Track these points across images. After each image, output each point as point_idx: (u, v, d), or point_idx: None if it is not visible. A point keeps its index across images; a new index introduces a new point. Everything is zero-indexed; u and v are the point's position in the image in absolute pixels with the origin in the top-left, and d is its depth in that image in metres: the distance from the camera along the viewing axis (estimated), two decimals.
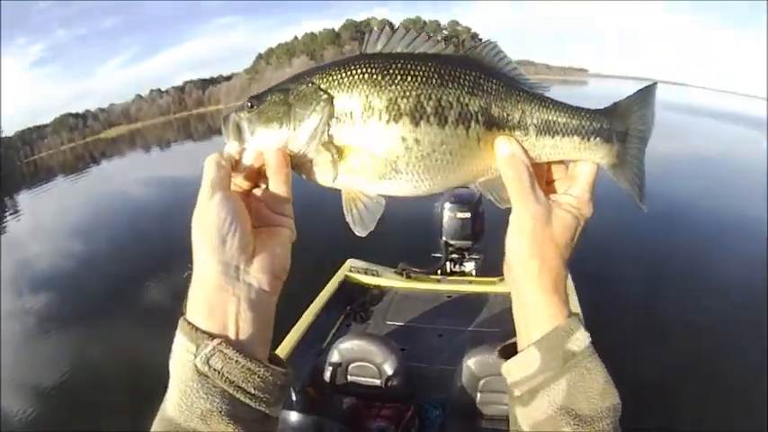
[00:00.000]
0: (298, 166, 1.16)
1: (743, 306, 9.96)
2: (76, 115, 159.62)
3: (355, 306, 6.90)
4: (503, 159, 1.17)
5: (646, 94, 1.27)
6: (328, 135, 1.14)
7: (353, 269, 7.65)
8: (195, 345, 0.99)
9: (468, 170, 1.19)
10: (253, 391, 1.00)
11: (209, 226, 1.03)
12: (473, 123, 1.15)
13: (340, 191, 1.20)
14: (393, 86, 1.13)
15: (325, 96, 1.13)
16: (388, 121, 1.12)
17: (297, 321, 6.12)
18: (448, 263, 7.72)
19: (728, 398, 7.17)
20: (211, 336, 1.00)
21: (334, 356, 5.02)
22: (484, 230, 7.42)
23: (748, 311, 9.71)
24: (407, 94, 1.12)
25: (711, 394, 7.30)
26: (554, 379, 1.10)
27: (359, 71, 1.14)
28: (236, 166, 1.13)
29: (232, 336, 1.02)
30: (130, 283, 13.13)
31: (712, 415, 6.85)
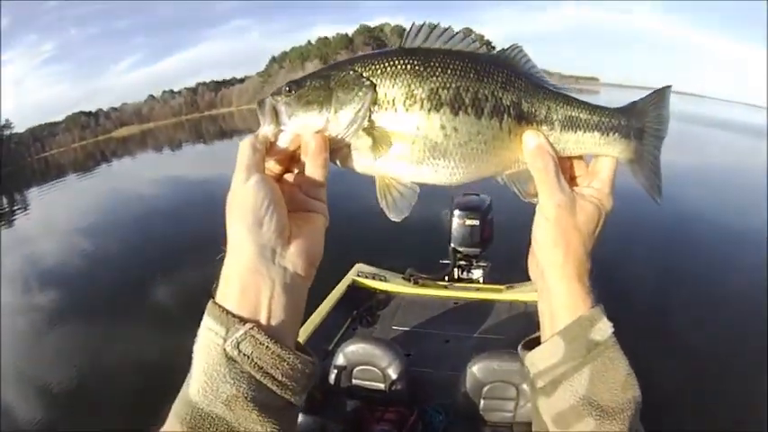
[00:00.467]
0: (335, 151, 1.17)
1: (747, 312, 10.01)
2: (88, 113, 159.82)
3: (362, 310, 6.91)
4: (531, 150, 1.20)
5: (661, 95, 1.31)
6: (369, 120, 1.16)
7: (361, 274, 7.67)
8: (225, 328, 0.97)
9: (499, 161, 1.23)
10: (281, 378, 0.99)
11: (245, 207, 1.02)
12: (505, 116, 1.19)
13: (371, 181, 1.22)
14: (434, 77, 1.16)
15: (368, 83, 1.16)
16: (429, 110, 1.15)
17: (303, 323, 6.07)
18: (455, 269, 7.76)
19: (730, 400, 7.24)
20: (242, 320, 0.98)
21: (340, 359, 5.02)
22: (492, 238, 7.44)
23: (752, 317, 9.73)
24: (447, 85, 1.16)
25: (713, 397, 7.36)
26: (577, 369, 1.12)
27: (401, 62, 1.17)
28: (270, 149, 1.13)
29: (263, 320, 1.01)
30: (139, 282, 13.09)
31: (714, 417, 6.90)
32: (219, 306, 1.00)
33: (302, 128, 1.14)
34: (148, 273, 13.57)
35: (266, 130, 1.13)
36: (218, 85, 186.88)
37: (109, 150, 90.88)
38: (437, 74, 1.16)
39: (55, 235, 20.99)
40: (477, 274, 7.77)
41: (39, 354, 10.36)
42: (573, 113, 1.25)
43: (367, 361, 4.97)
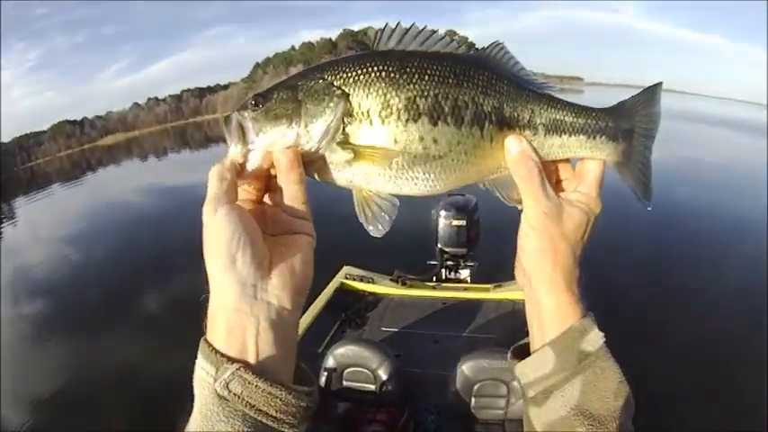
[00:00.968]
0: (309, 164, 1.13)
1: (744, 310, 10.05)
2: (74, 122, 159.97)
3: (351, 312, 6.91)
4: (513, 158, 1.17)
5: (651, 93, 1.28)
6: (344, 134, 1.11)
7: (349, 276, 7.65)
8: (215, 368, 0.95)
9: (481, 169, 1.20)
10: (275, 414, 0.96)
11: (216, 244, 0.99)
12: (487, 123, 1.16)
13: (350, 191, 1.18)
14: (411, 85, 1.11)
15: (339, 92, 1.11)
16: (407, 121, 1.11)
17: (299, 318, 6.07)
18: (443, 270, 7.76)
19: (728, 400, 7.22)
20: (231, 359, 0.96)
21: (330, 362, 5.02)
22: (479, 238, 7.45)
23: (749, 315, 9.78)
24: (425, 93, 1.11)
25: (712, 396, 7.34)
26: (568, 379, 1.11)
27: (375, 68, 1.12)
28: (241, 171, 1.09)
29: (252, 358, 0.98)
30: (127, 291, 13.07)
31: (712, 417, 6.88)
32: (209, 344, 0.99)
33: (271, 144, 1.10)
34: (136, 281, 13.55)
35: (233, 151, 1.09)
36: (203, 92, 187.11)
37: (94, 159, 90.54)
38: (414, 80, 1.12)
39: (42, 245, 20.91)
40: (464, 273, 7.78)
41: (28, 364, 10.30)
42: (557, 116, 1.22)
43: (357, 363, 4.98)
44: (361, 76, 1.12)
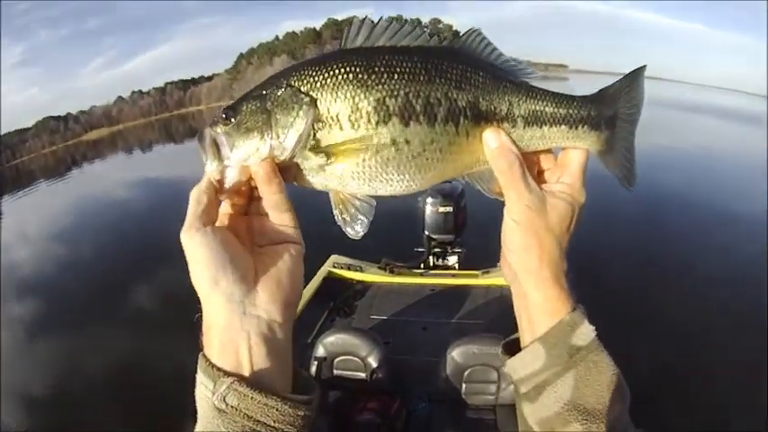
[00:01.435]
0: (285, 171, 1.11)
1: (735, 299, 10.06)
2: (58, 118, 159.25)
3: (339, 301, 6.91)
4: (492, 152, 1.15)
5: (634, 76, 1.25)
6: (315, 140, 1.09)
7: (337, 265, 7.66)
8: (213, 382, 0.97)
9: (458, 165, 1.17)
10: (273, 424, 0.97)
11: (197, 268, 1.01)
12: (462, 119, 1.13)
13: (328, 193, 1.16)
14: (380, 85, 1.09)
15: (308, 99, 1.09)
16: (377, 123, 1.09)
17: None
18: (431, 257, 7.80)
19: (723, 394, 7.19)
20: (227, 373, 0.98)
21: (320, 351, 5.03)
22: (466, 224, 7.49)
23: (740, 304, 9.82)
24: (395, 92, 1.09)
25: (707, 391, 7.34)
26: (560, 374, 1.09)
27: (342, 70, 1.09)
28: (221, 188, 1.09)
29: (247, 372, 1.00)
30: (116, 287, 13.04)
31: (705, 412, 6.87)
32: (206, 359, 1.00)
33: (247, 158, 1.09)
34: (125, 276, 13.55)
35: (210, 168, 1.09)
36: (187, 84, 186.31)
37: (79, 154, 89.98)
38: (383, 80, 1.09)
39: (29, 243, 20.77)
40: (452, 260, 7.83)
41: (20, 364, 10.22)
42: (537, 107, 1.19)
43: (347, 351, 4.99)
44: (328, 80, 1.10)
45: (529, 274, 1.14)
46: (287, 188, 1.12)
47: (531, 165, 1.21)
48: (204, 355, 1.01)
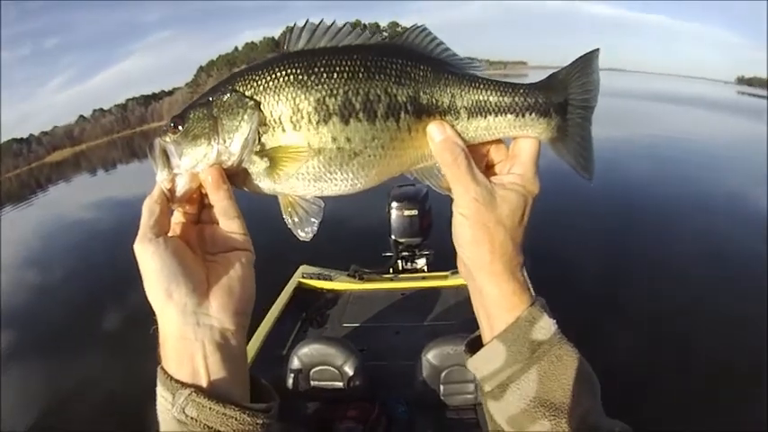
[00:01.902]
0: (233, 177, 1.14)
1: (712, 286, 10.22)
2: (20, 140, 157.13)
3: (311, 311, 6.86)
4: (437, 145, 1.15)
5: (586, 61, 1.22)
6: (260, 143, 1.12)
7: (306, 275, 7.62)
8: (171, 394, 0.99)
9: (403, 161, 1.18)
10: None
11: (150, 280, 1.02)
12: (402, 114, 1.14)
13: (278, 197, 1.19)
14: (319, 86, 1.11)
15: (252, 103, 1.12)
16: (317, 123, 1.11)
17: (254, 332, 6.08)
18: (399, 261, 7.80)
19: (728, 388, 7.17)
20: (184, 385, 1.00)
21: (295, 363, 5.00)
22: (432, 226, 7.47)
23: (719, 292, 9.93)
24: (335, 92, 1.11)
25: (710, 386, 7.28)
26: (523, 371, 1.09)
27: (283, 73, 1.12)
28: (172, 196, 1.11)
29: (204, 382, 1.01)
30: (90, 309, 12.89)
31: (687, 410, 6.80)
32: (165, 372, 1.03)
33: (195, 165, 1.11)
34: (98, 298, 13.34)
35: (160, 177, 1.10)
36: (148, 100, 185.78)
37: (43, 177, 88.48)
38: (322, 81, 1.11)
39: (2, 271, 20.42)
40: (420, 263, 7.83)
41: None
42: (480, 97, 1.19)
43: (322, 361, 4.96)
44: (271, 83, 1.12)
45: (481, 268, 1.14)
46: (239, 197, 1.15)
47: (479, 157, 1.21)
48: (162, 368, 1.03)
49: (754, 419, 6.58)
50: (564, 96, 1.21)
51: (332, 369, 4.95)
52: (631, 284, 10.44)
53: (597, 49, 1.23)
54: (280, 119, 1.11)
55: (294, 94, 1.11)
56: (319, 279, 7.55)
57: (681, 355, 8.04)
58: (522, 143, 1.21)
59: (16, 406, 9.36)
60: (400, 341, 6.13)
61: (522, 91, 1.21)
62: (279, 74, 1.12)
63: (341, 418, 4.60)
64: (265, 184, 1.16)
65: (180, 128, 1.12)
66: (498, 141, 1.24)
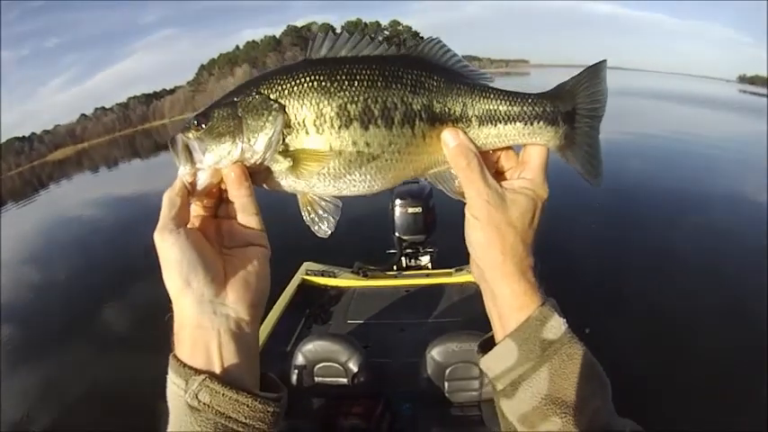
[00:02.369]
0: (255, 174, 1.17)
1: (717, 283, 10.23)
2: (23, 138, 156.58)
3: (315, 308, 6.88)
4: (451, 151, 1.19)
5: (594, 71, 1.26)
6: (284, 144, 1.16)
7: (310, 272, 7.63)
8: (184, 380, 1.01)
9: (417, 165, 1.22)
10: (245, 420, 1.01)
11: (169, 270, 1.05)
12: (417, 121, 1.18)
13: (296, 196, 1.23)
14: (341, 92, 1.15)
15: (277, 106, 1.15)
16: (339, 128, 1.15)
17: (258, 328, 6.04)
18: (403, 258, 7.82)
19: (727, 387, 7.14)
20: (198, 371, 1.01)
21: (299, 359, 5.01)
22: (436, 223, 7.49)
23: (723, 288, 9.98)
24: (355, 99, 1.15)
25: (699, 385, 7.28)
26: (534, 369, 1.10)
27: (307, 79, 1.16)
28: (193, 191, 1.13)
29: (218, 369, 1.03)
30: (90, 307, 12.86)
31: (687, 409, 6.77)
32: (177, 359, 1.04)
33: (218, 161, 1.15)
34: (99, 296, 13.37)
35: (182, 172, 1.13)
36: (150, 98, 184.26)
37: (45, 175, 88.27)
38: (344, 88, 1.16)
39: (3, 268, 20.42)
40: (424, 260, 7.85)
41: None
42: (491, 107, 1.23)
43: (327, 357, 4.97)
44: (295, 88, 1.17)
45: (494, 269, 1.16)
46: (256, 194, 1.18)
47: (490, 164, 1.24)
48: (175, 356, 1.05)
49: (755, 419, 6.58)
50: (572, 105, 1.26)
51: (336, 365, 4.95)
52: (631, 282, 10.41)
53: (604, 61, 1.28)
54: (304, 122, 1.16)
55: (318, 100, 1.15)
56: (323, 276, 7.56)
57: (680, 354, 8.02)
58: (531, 150, 1.25)
59: (16, 403, 9.38)
60: (405, 338, 6.13)
61: (530, 100, 1.25)
62: (303, 80, 1.17)
63: (345, 415, 4.61)
64: (286, 183, 1.20)
65: (203, 126, 1.15)
66: (508, 149, 1.28)
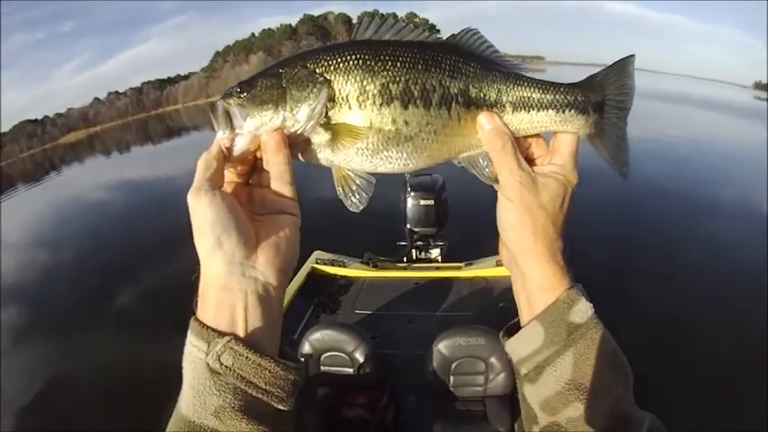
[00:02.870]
0: (292, 146, 1.19)
1: (726, 288, 10.20)
2: (35, 121, 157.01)
3: (323, 297, 6.89)
4: (487, 133, 1.21)
5: (623, 65, 1.29)
6: (326, 117, 1.18)
7: (320, 261, 7.65)
8: (206, 343, 1.00)
9: (451, 147, 1.25)
10: (264, 386, 1.00)
11: (202, 228, 1.04)
12: (454, 104, 1.21)
13: (326, 173, 1.26)
14: (384, 72, 1.18)
15: (322, 80, 1.17)
16: (381, 105, 1.18)
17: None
18: (413, 250, 7.82)
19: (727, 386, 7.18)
20: (221, 334, 1.01)
21: (306, 348, 5.00)
22: (447, 217, 7.51)
23: (733, 293, 9.94)
24: (397, 79, 1.19)
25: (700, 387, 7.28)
26: (559, 353, 1.11)
27: (353, 57, 1.19)
28: (229, 156, 1.14)
29: (241, 331, 1.03)
30: (100, 290, 12.91)
31: (687, 409, 6.58)
32: (200, 322, 1.03)
33: (259, 128, 1.15)
34: (108, 279, 13.41)
35: (221, 136, 1.14)
36: (164, 83, 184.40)
37: (57, 157, 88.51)
38: (387, 67, 1.19)
39: (10, 249, 20.49)
40: (434, 253, 7.86)
41: (7, 374, 10.09)
42: (525, 94, 1.25)
43: (333, 347, 4.97)
44: (341, 64, 1.19)
45: (525, 251, 1.18)
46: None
47: (522, 150, 1.25)
48: (197, 318, 1.04)
49: (755, 419, 6.61)
50: (602, 96, 1.28)
51: (343, 355, 4.95)
52: (636, 282, 10.45)
53: (633, 56, 1.30)
54: (347, 97, 1.18)
55: (362, 77, 1.18)
56: (333, 265, 7.58)
57: (681, 354, 8.05)
58: (562, 138, 1.28)
59: (24, 385, 9.42)
60: (412, 330, 6.13)
61: (562, 89, 1.28)
62: (349, 57, 1.19)
63: (350, 405, 4.62)
64: (323, 156, 1.22)
65: (246, 93, 1.16)
66: (538, 137, 1.30)
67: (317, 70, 1.18)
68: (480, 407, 4.79)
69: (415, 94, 1.19)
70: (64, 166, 67.39)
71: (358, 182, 1.23)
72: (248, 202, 1.15)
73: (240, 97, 1.16)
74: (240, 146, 1.15)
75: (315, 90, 1.16)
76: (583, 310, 1.12)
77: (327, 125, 1.18)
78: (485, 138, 1.22)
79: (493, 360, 4.67)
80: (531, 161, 1.28)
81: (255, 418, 1.00)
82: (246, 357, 0.99)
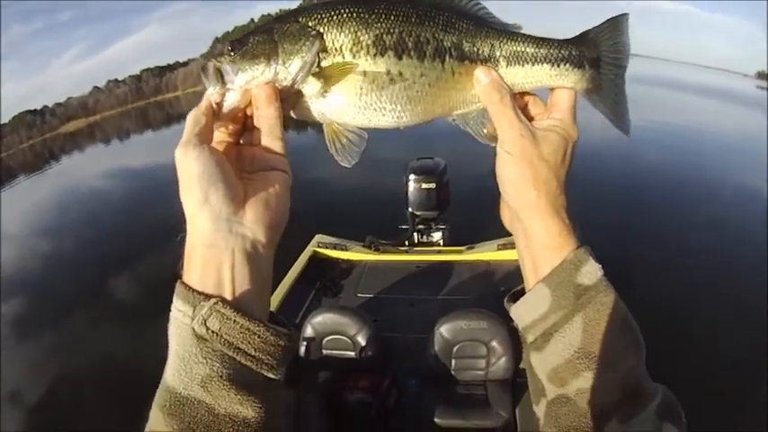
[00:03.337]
0: (284, 102, 1.16)
1: (728, 276, 10.23)
2: (34, 111, 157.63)
3: (325, 281, 6.90)
4: (484, 86, 1.19)
5: (616, 22, 1.26)
6: (318, 66, 1.16)
7: (321, 244, 7.67)
8: (192, 307, 0.94)
9: (445, 101, 1.23)
10: (253, 353, 0.95)
11: (189, 183, 0.99)
12: (447, 57, 1.20)
13: (323, 126, 1.23)
14: (378, 23, 1.17)
15: (314, 32, 1.16)
16: (375, 55, 1.17)
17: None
18: (415, 234, 7.81)
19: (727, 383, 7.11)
20: (207, 296, 0.95)
21: (308, 331, 5.02)
22: (449, 200, 7.49)
23: (734, 281, 9.99)
24: (391, 30, 1.17)
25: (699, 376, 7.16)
26: (567, 318, 1.06)
27: (346, 10, 1.18)
28: (219, 113, 1.11)
29: (228, 293, 0.97)
30: (101, 279, 12.96)
31: (686, 408, 6.72)
32: (185, 285, 0.98)
33: (250, 81, 1.13)
34: (110, 268, 13.47)
35: (211, 92, 1.11)
36: (163, 70, 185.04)
37: (57, 147, 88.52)
38: (381, 20, 1.18)
39: (12, 240, 20.47)
40: (436, 236, 7.85)
41: (9, 365, 10.08)
42: (518, 48, 1.24)
43: (335, 330, 4.99)
44: (334, 17, 1.17)
45: (527, 206, 1.14)
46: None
47: (519, 108, 1.22)
48: (182, 282, 0.99)
49: (755, 418, 6.60)
50: (596, 53, 1.26)
51: (345, 339, 4.97)
52: (636, 271, 10.36)
53: (626, 14, 1.27)
54: (340, 48, 1.17)
55: (356, 28, 1.17)
56: (335, 249, 7.59)
57: (680, 351, 7.96)
58: (559, 93, 1.24)
59: (26, 375, 9.48)
60: (414, 313, 6.16)
61: (556, 44, 1.27)
62: (342, 10, 1.18)
63: (352, 389, 4.62)
64: (316, 109, 1.19)
65: (237, 51, 1.15)
66: (535, 97, 1.28)
67: (310, 24, 1.17)
68: (482, 390, 4.79)
69: (409, 45, 1.19)
70: (64, 156, 67.56)
71: (349, 136, 1.21)
72: (238, 160, 1.12)
73: (231, 55, 1.14)
74: (231, 101, 1.12)
75: (307, 43, 1.16)
76: (591, 272, 1.07)
77: (319, 74, 1.16)
78: (482, 91, 1.20)
79: (494, 344, 4.68)
80: (529, 119, 1.23)
81: (245, 388, 0.95)
82: (234, 321, 0.94)
